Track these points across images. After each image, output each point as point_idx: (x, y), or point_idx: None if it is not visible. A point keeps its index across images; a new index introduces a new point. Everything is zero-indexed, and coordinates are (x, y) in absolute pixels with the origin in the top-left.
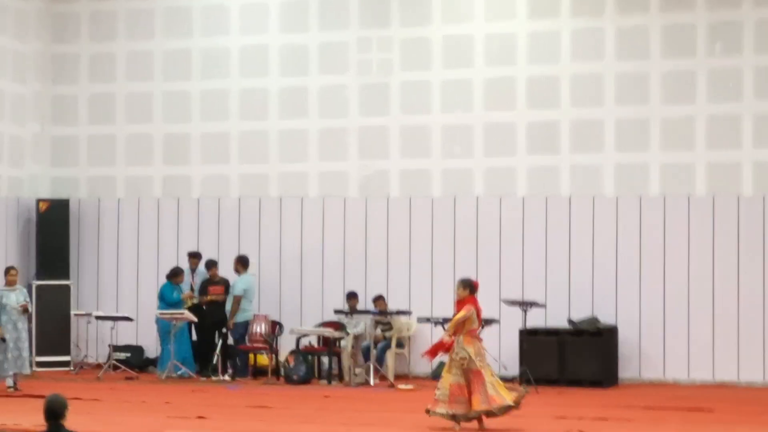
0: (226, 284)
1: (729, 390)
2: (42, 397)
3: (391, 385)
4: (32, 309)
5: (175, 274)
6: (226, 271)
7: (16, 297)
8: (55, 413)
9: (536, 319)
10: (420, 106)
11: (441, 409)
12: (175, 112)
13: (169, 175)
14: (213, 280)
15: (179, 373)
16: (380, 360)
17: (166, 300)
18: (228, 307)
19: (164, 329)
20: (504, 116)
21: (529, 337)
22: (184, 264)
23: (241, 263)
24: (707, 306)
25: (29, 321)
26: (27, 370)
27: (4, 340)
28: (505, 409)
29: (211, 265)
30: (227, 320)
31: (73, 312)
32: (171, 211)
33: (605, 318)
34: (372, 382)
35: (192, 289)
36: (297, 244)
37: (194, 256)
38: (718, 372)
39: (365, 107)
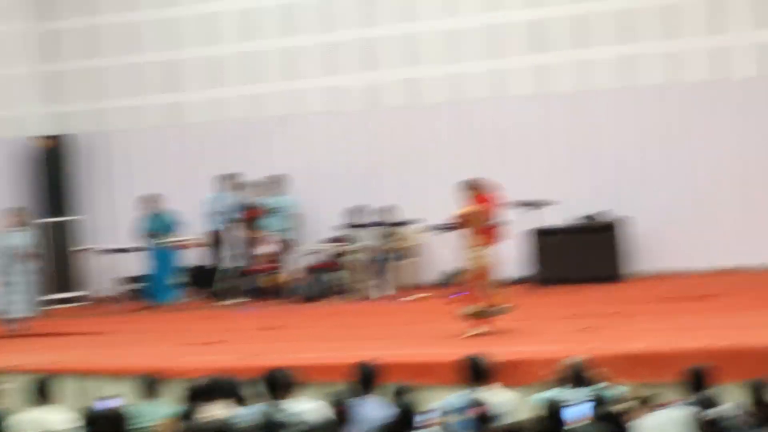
0: None
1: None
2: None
3: (399, 297)
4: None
5: None
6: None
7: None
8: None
9: (549, 218)
10: None
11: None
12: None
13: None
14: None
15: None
16: (386, 272)
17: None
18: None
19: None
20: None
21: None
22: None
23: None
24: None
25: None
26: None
27: None
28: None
29: None
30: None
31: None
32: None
33: (621, 211)
34: (381, 295)
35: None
36: (305, 163)
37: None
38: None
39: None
